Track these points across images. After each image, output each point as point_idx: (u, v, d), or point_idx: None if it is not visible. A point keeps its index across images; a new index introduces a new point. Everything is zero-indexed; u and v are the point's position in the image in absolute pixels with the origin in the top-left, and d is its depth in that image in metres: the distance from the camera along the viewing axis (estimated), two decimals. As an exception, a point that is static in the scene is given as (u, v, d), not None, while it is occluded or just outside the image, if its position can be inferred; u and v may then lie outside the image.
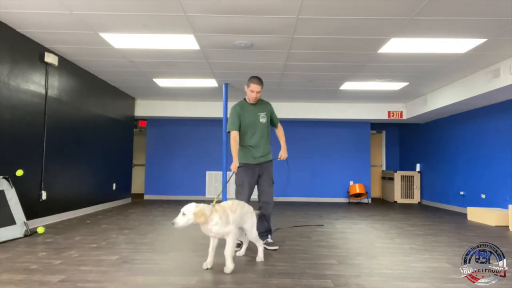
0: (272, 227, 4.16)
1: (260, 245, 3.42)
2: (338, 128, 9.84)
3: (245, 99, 3.89)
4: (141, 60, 5.77)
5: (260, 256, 3.37)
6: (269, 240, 3.87)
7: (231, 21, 4.24)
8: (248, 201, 3.70)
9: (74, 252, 3.60)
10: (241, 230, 3.36)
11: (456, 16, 3.98)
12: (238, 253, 3.56)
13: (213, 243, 3.12)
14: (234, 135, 3.71)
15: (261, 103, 3.93)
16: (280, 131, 4.10)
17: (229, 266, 2.98)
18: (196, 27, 4.42)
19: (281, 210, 7.21)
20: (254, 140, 3.81)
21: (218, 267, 3.11)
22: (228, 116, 3.83)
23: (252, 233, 3.33)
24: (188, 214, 2.90)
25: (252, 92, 3.75)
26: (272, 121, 4.04)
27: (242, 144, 3.80)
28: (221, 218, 3.00)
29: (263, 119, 3.85)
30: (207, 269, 3.06)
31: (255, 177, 3.82)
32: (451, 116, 8.19)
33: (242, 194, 3.75)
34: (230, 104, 8.41)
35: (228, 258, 2.99)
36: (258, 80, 3.76)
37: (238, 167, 3.72)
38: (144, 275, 2.90)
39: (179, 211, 2.93)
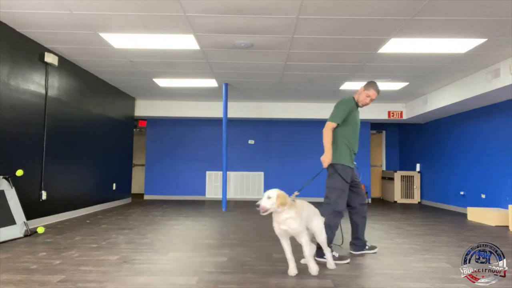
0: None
1: (328, 252, 3.19)
2: (338, 128, 9.80)
3: (353, 97, 3.61)
4: (141, 60, 5.77)
5: (331, 263, 3.16)
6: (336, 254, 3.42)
7: (231, 21, 4.24)
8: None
9: (74, 252, 3.60)
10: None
11: (456, 16, 3.98)
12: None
13: (288, 247, 2.97)
14: (332, 127, 3.44)
15: (360, 109, 3.73)
16: None
17: (313, 267, 2.92)
18: (196, 27, 4.42)
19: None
20: (357, 141, 3.59)
21: (218, 267, 3.12)
22: (337, 106, 3.50)
23: (322, 236, 3.13)
24: (273, 197, 2.80)
25: (367, 97, 3.53)
26: None
27: (346, 142, 3.49)
28: (296, 214, 2.88)
29: (359, 124, 3.70)
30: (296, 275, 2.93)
31: None
32: (451, 116, 8.18)
33: (343, 198, 3.42)
34: (230, 104, 8.54)
35: (309, 259, 2.93)
36: (379, 89, 3.56)
37: (336, 163, 3.45)
38: (144, 275, 2.90)
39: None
